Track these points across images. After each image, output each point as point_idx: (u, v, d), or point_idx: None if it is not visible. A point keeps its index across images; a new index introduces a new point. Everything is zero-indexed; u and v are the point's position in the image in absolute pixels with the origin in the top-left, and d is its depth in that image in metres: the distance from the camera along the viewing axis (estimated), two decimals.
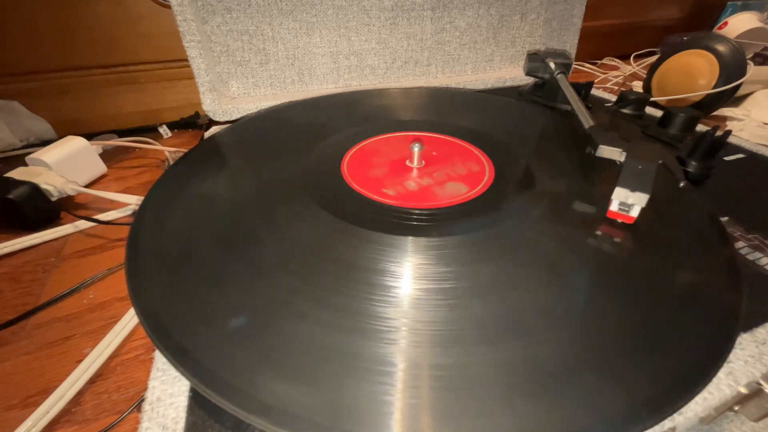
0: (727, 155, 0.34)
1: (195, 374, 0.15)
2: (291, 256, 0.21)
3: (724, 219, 0.26)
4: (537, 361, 0.16)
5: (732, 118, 0.54)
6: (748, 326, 0.19)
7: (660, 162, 0.23)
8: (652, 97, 0.50)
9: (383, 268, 0.20)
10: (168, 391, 0.16)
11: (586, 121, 0.30)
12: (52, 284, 0.32)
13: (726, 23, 0.75)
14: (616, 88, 0.71)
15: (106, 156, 0.49)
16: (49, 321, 0.29)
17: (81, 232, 0.38)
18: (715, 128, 0.29)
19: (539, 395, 0.14)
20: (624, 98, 0.41)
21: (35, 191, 0.37)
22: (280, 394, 0.14)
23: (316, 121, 0.37)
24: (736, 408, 0.17)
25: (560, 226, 0.23)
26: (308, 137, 0.33)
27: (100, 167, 0.47)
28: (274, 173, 0.28)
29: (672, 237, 0.23)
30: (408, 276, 0.20)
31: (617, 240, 0.22)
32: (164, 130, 0.58)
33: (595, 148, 0.26)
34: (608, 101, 0.46)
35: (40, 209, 0.38)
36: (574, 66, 0.52)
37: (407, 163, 0.30)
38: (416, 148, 0.29)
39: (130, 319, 0.28)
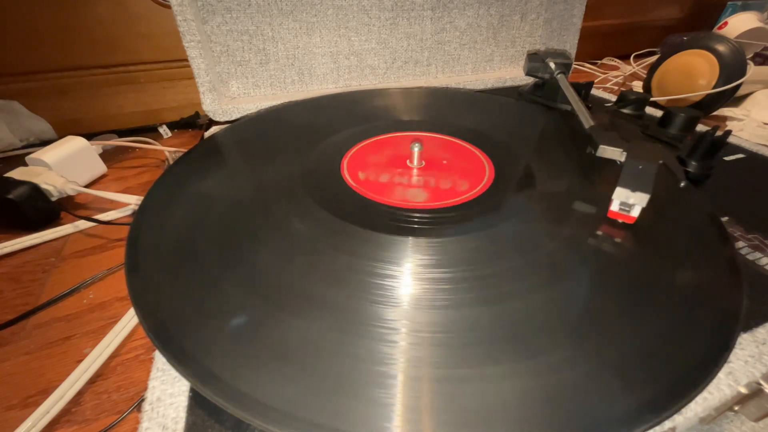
0: (727, 155, 0.34)
1: (195, 374, 0.15)
2: (291, 256, 0.21)
3: (724, 219, 0.26)
4: (537, 360, 0.16)
5: (732, 118, 0.54)
6: (748, 326, 0.19)
7: (660, 162, 0.23)
8: (652, 97, 0.50)
9: (383, 269, 0.20)
10: (168, 391, 0.16)
11: (586, 121, 0.30)
12: (52, 284, 0.32)
13: (726, 23, 0.75)
14: (616, 88, 0.71)
15: (106, 156, 0.49)
16: (49, 321, 0.29)
17: (81, 232, 0.38)
18: (715, 128, 0.29)
19: (539, 395, 0.14)
20: (624, 98, 0.41)
21: (35, 191, 0.37)
22: (280, 394, 0.14)
23: (316, 121, 0.37)
24: (736, 408, 0.17)
25: (560, 227, 0.23)
26: (308, 137, 0.33)
27: (100, 167, 0.47)
28: (274, 173, 0.28)
29: (672, 237, 0.23)
30: (408, 276, 0.20)
31: (618, 240, 0.22)
32: (164, 130, 0.58)
33: (596, 148, 0.26)
34: (608, 101, 0.46)
35: (40, 209, 0.38)
36: (574, 66, 0.52)
37: (407, 163, 0.30)
38: (416, 148, 0.29)
39: (130, 319, 0.28)
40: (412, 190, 0.27)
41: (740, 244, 0.24)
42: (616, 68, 0.81)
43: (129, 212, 0.40)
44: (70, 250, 0.36)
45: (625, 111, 0.40)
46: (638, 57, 0.82)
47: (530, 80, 0.46)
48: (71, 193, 0.40)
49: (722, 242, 0.22)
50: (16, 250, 0.36)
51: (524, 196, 0.26)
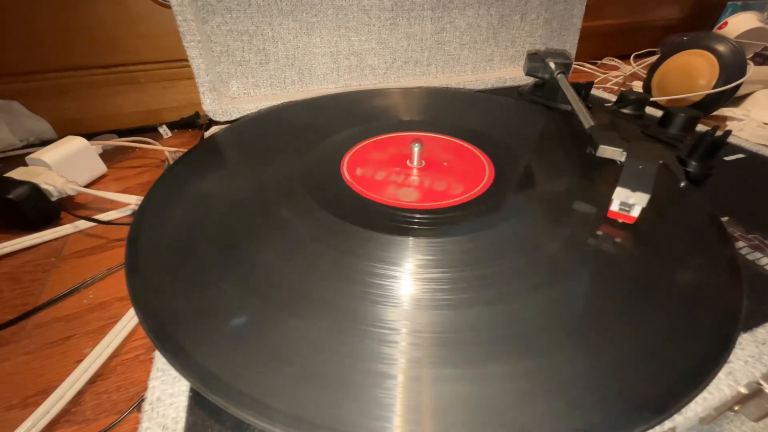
0: (727, 155, 0.34)
1: (194, 374, 0.15)
2: (291, 256, 0.21)
3: (724, 219, 0.26)
4: (537, 360, 0.16)
5: (732, 118, 0.54)
6: (748, 326, 0.19)
7: (660, 162, 0.23)
8: (652, 97, 0.50)
9: (383, 269, 0.20)
10: (168, 391, 0.16)
11: (587, 121, 0.30)
12: (52, 284, 0.32)
13: (726, 23, 0.75)
14: (616, 88, 0.71)
15: (106, 156, 0.49)
16: (49, 321, 0.29)
17: (81, 232, 0.38)
18: (715, 128, 0.29)
19: (539, 395, 0.14)
20: (624, 98, 0.41)
21: (35, 191, 0.37)
22: (280, 394, 0.14)
23: (316, 121, 0.37)
24: (736, 408, 0.17)
25: (560, 227, 0.23)
26: (308, 137, 0.33)
27: (100, 167, 0.47)
28: (274, 173, 0.28)
29: (672, 237, 0.23)
30: (408, 277, 0.20)
31: (618, 240, 0.22)
32: (164, 130, 0.58)
33: (596, 148, 0.26)
34: (608, 101, 0.46)
35: (40, 209, 0.38)
36: (574, 66, 0.52)
37: (407, 163, 0.30)
38: (416, 148, 0.29)
39: (130, 319, 0.28)
40: (412, 190, 0.27)
41: (740, 244, 0.24)
42: (616, 68, 0.81)
43: (129, 212, 0.40)
44: (70, 250, 0.36)
45: (625, 111, 0.40)
46: (638, 57, 0.82)
47: (530, 80, 0.46)
48: (71, 193, 0.40)
49: (722, 242, 0.22)
50: (16, 250, 0.36)
51: (524, 196, 0.26)
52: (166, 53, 0.55)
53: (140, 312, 0.18)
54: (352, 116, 0.38)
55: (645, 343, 0.16)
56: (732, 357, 0.17)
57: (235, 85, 0.44)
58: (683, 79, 0.48)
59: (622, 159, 0.25)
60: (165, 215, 0.24)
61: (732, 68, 0.45)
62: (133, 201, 0.39)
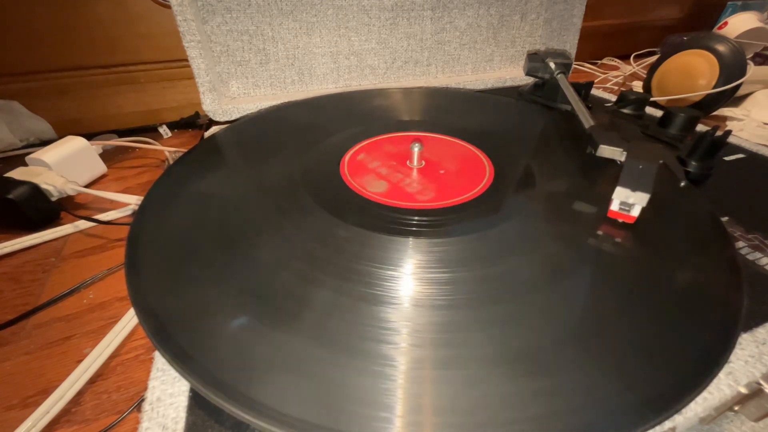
0: (727, 155, 0.34)
1: (194, 375, 0.15)
2: (290, 257, 0.21)
3: (724, 219, 0.26)
4: (537, 360, 0.16)
5: (732, 118, 0.54)
6: (748, 326, 0.19)
7: (660, 162, 0.23)
8: (652, 97, 0.50)
9: (383, 270, 0.20)
10: (168, 391, 0.16)
11: (587, 121, 0.30)
12: (52, 284, 0.32)
13: (726, 23, 0.75)
14: (616, 88, 0.71)
15: (106, 156, 0.49)
16: (49, 321, 0.29)
17: (81, 232, 0.38)
18: (715, 128, 0.29)
19: (539, 394, 0.14)
20: (624, 98, 0.41)
21: (35, 191, 0.37)
22: (280, 394, 0.14)
23: (316, 121, 0.37)
24: (736, 408, 0.17)
25: (560, 226, 0.23)
26: (308, 137, 0.33)
27: (100, 167, 0.47)
28: (273, 173, 0.28)
29: (672, 237, 0.23)
30: (408, 277, 0.20)
31: (618, 240, 0.22)
32: (164, 130, 0.58)
33: (596, 148, 0.26)
34: (608, 101, 0.46)
35: (40, 209, 0.38)
36: (574, 66, 0.52)
37: (407, 163, 0.30)
38: (416, 148, 0.29)
39: (130, 319, 0.28)
40: (412, 190, 0.27)
41: (740, 244, 0.24)
42: (616, 68, 0.81)
43: (129, 212, 0.40)
44: (70, 250, 0.36)
45: (625, 111, 0.40)
46: (638, 57, 0.82)
47: (530, 80, 0.46)
48: (71, 193, 0.40)
49: (722, 242, 0.22)
50: (16, 250, 0.36)
51: (524, 196, 0.26)
52: (166, 53, 0.55)
53: (140, 312, 0.18)
54: (352, 116, 0.38)
55: (645, 343, 0.16)
56: (732, 357, 0.17)
57: (235, 85, 0.44)
58: (683, 79, 0.48)
59: (622, 159, 0.25)
60: (165, 215, 0.24)
61: (732, 68, 0.45)
62: (133, 201, 0.39)
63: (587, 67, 0.81)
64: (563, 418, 0.14)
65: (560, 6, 0.52)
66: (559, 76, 0.39)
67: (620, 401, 0.14)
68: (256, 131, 0.36)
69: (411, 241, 0.22)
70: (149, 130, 0.59)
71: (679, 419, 0.15)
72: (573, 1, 0.51)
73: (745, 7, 0.79)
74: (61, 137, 0.45)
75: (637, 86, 0.66)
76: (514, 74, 0.55)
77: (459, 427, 0.13)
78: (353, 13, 0.45)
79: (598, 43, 0.85)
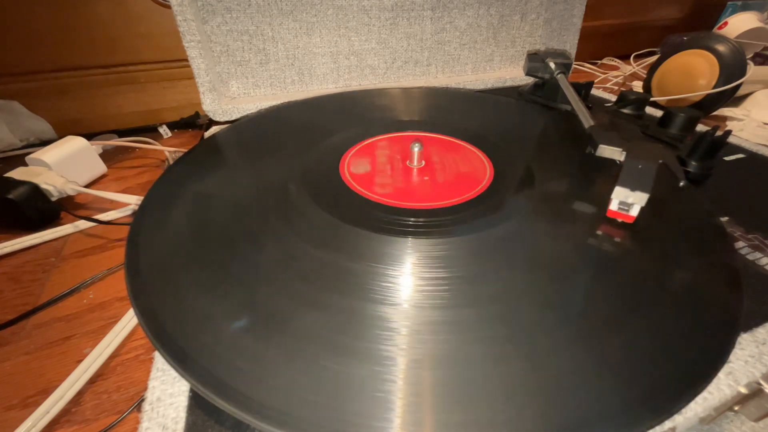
0: (727, 155, 0.34)
1: (194, 375, 0.15)
2: (290, 257, 0.21)
3: (724, 219, 0.26)
4: (537, 360, 0.16)
5: (732, 118, 0.54)
6: (748, 326, 0.19)
7: (660, 162, 0.23)
8: (652, 97, 0.50)
9: (383, 270, 0.20)
10: (168, 391, 0.16)
11: (586, 121, 0.30)
12: (52, 284, 0.32)
13: (726, 23, 0.75)
14: (616, 88, 0.71)
15: (106, 156, 0.49)
16: (49, 321, 0.29)
17: (81, 232, 0.38)
18: (715, 128, 0.29)
19: (539, 395, 0.14)
20: (624, 98, 0.41)
21: (35, 191, 0.37)
22: (279, 394, 0.14)
23: (316, 121, 0.37)
24: (736, 408, 0.17)
25: (560, 226, 0.23)
26: (308, 137, 0.33)
27: (100, 167, 0.47)
28: (274, 173, 0.28)
29: (672, 237, 0.23)
30: (407, 277, 0.20)
31: (617, 239, 0.22)
32: (164, 130, 0.58)
33: (595, 148, 0.26)
34: (608, 101, 0.46)
35: (40, 209, 0.38)
36: (574, 66, 0.52)
37: (407, 163, 0.30)
38: (416, 148, 0.29)
39: (130, 319, 0.28)
40: (412, 190, 0.27)
41: (740, 244, 0.24)
42: (616, 68, 0.81)
43: (129, 212, 0.40)
44: (70, 250, 0.36)
45: (625, 111, 0.40)
46: (638, 57, 0.82)
47: (530, 80, 0.46)
48: (71, 193, 0.40)
49: (722, 242, 0.22)
50: (16, 250, 0.36)
51: (524, 196, 0.26)
52: (166, 53, 0.55)
53: (140, 312, 0.18)
54: (352, 116, 0.38)
55: (644, 343, 0.16)
56: (732, 357, 0.17)
57: (235, 85, 0.44)
58: (683, 79, 0.48)
59: (622, 158, 0.25)
60: (165, 215, 0.24)
61: (732, 68, 0.45)
62: (133, 201, 0.39)
63: (587, 67, 0.81)
64: (563, 419, 0.14)
65: (560, 6, 0.52)
66: (559, 76, 0.39)
67: (620, 401, 0.14)
68: (256, 131, 0.36)
69: (411, 241, 0.22)
70: (149, 130, 0.59)
71: (679, 419, 0.15)
72: (573, 1, 0.51)
73: (745, 7, 0.79)
74: (61, 137, 0.45)
75: (637, 86, 0.66)
76: (514, 74, 0.55)
77: (458, 427, 0.13)
78: (353, 13, 0.45)
79: (598, 43, 0.85)
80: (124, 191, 0.42)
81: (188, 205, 0.25)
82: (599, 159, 0.26)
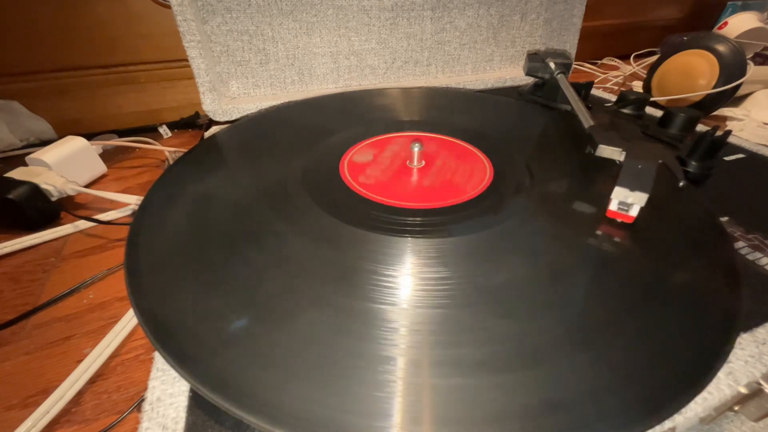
0: (727, 155, 0.34)
1: (194, 375, 0.15)
2: (290, 257, 0.21)
3: (724, 219, 0.26)
4: (536, 361, 0.16)
5: (732, 118, 0.54)
6: (748, 326, 0.19)
7: (660, 162, 0.23)
8: (652, 97, 0.50)
9: (382, 270, 0.20)
10: (168, 391, 0.16)
11: (586, 121, 0.30)
12: (52, 284, 0.32)
13: (726, 23, 0.75)
14: (616, 88, 0.71)
15: (106, 156, 0.49)
16: (49, 321, 0.29)
17: (81, 232, 0.38)
18: (715, 128, 0.29)
19: (538, 395, 0.14)
20: (624, 98, 0.41)
21: (35, 191, 0.37)
22: (279, 394, 0.14)
23: (316, 121, 0.37)
24: (736, 408, 0.17)
25: (559, 226, 0.23)
26: (308, 137, 0.33)
27: (100, 167, 0.47)
28: (273, 173, 0.28)
29: (672, 237, 0.23)
30: (407, 277, 0.20)
31: (617, 239, 0.22)
32: (164, 130, 0.58)
33: (595, 148, 0.26)
34: (608, 101, 0.46)
35: (40, 209, 0.38)
36: (574, 66, 0.52)
37: (407, 163, 0.30)
38: (416, 148, 0.29)
39: (130, 319, 0.28)
40: (412, 190, 0.27)
41: (740, 244, 0.24)
42: (616, 68, 0.81)
43: (129, 212, 0.40)
44: (70, 250, 0.36)
45: (625, 111, 0.40)
46: (638, 57, 0.82)
47: (530, 80, 0.46)
48: (71, 193, 0.40)
49: (722, 242, 0.22)
50: (16, 250, 0.36)
51: (524, 196, 0.26)
52: (166, 53, 0.55)
53: (139, 312, 0.18)
54: (352, 116, 0.38)
55: (644, 343, 0.16)
56: (732, 357, 0.17)
57: (235, 85, 0.44)
58: (683, 79, 0.48)
59: (622, 159, 0.25)
60: (165, 215, 0.24)
61: (732, 68, 0.45)
62: (133, 201, 0.39)
63: (587, 67, 0.81)
64: (563, 419, 0.14)
65: (560, 6, 0.52)
66: (559, 76, 0.39)
67: (620, 401, 0.14)
68: (256, 131, 0.36)
69: (410, 240, 0.22)
70: (149, 130, 0.59)
71: (679, 419, 0.15)
72: (573, 1, 0.51)
73: (745, 7, 0.79)
74: (61, 137, 0.45)
75: (637, 86, 0.66)
76: (514, 74, 0.55)
77: (458, 426, 0.13)
78: (353, 13, 0.45)
79: (598, 43, 0.85)
80: (124, 191, 0.42)
81: (188, 205, 0.25)
82: (599, 159, 0.26)
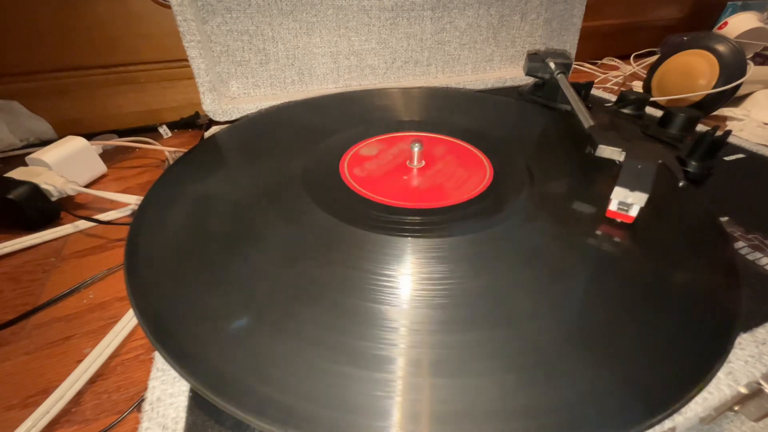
0: (727, 155, 0.34)
1: (194, 375, 0.15)
2: (290, 257, 0.21)
3: (724, 219, 0.26)
4: (536, 361, 0.16)
5: (732, 118, 0.54)
6: (748, 326, 0.19)
7: (660, 162, 0.23)
8: (652, 97, 0.50)
9: (382, 270, 0.20)
10: (168, 391, 0.16)
11: (586, 121, 0.30)
12: (52, 284, 0.32)
13: (726, 23, 0.75)
14: (616, 88, 0.71)
15: (106, 156, 0.49)
16: (49, 321, 0.29)
17: (81, 232, 0.38)
18: (715, 128, 0.29)
19: (538, 394, 0.14)
20: (624, 98, 0.41)
21: (35, 191, 0.37)
22: (280, 394, 0.14)
23: (316, 121, 0.37)
24: (736, 408, 0.17)
25: (559, 226, 0.23)
26: (308, 137, 0.33)
27: (100, 167, 0.47)
28: (273, 173, 0.28)
29: (671, 237, 0.23)
30: (407, 277, 0.20)
31: (616, 239, 0.22)
32: (164, 130, 0.59)
33: (595, 148, 0.26)
34: (608, 101, 0.46)
35: (40, 209, 0.38)
36: (574, 66, 0.52)
37: (407, 163, 0.30)
38: (416, 148, 0.29)
39: (130, 319, 0.28)
40: (412, 190, 0.27)
41: (740, 244, 0.24)
42: (616, 68, 0.81)
43: (129, 212, 0.40)
44: (70, 250, 0.36)
45: (625, 111, 0.40)
46: (638, 57, 0.82)
47: (530, 80, 0.46)
48: (71, 193, 0.40)
49: (722, 242, 0.22)
50: (16, 250, 0.36)
51: (523, 196, 0.26)
52: (166, 53, 0.55)
53: (139, 312, 0.18)
54: (352, 116, 0.38)
55: (644, 343, 0.16)
56: (732, 357, 0.17)
57: (235, 85, 0.44)
58: (683, 79, 0.48)
59: (621, 159, 0.25)
60: (165, 215, 0.24)
61: (732, 68, 0.45)
62: (133, 201, 0.39)
63: (587, 67, 0.81)
64: (562, 419, 0.14)
65: (560, 6, 0.52)
66: (559, 76, 0.39)
67: (620, 401, 0.14)
68: (256, 131, 0.36)
69: (410, 240, 0.22)
70: (149, 130, 0.59)
71: (679, 419, 0.15)
72: (573, 1, 0.51)
73: (745, 7, 0.79)
74: (61, 137, 0.45)
75: (637, 86, 0.66)
76: (514, 74, 0.55)
77: (457, 426, 0.13)
78: (353, 13, 0.45)
79: (598, 43, 0.85)
80: (124, 191, 0.42)
81: (188, 205, 0.25)
82: (599, 159, 0.26)
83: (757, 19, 0.73)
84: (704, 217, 0.24)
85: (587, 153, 0.27)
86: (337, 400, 0.14)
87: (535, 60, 0.41)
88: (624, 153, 0.24)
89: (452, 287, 0.19)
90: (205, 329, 0.17)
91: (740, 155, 0.34)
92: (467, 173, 0.29)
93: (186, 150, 0.34)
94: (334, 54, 0.46)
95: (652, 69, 0.53)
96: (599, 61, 0.85)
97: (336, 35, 0.45)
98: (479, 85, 0.53)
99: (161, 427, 0.15)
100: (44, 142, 0.48)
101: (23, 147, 0.52)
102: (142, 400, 0.18)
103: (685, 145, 0.32)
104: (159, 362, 0.17)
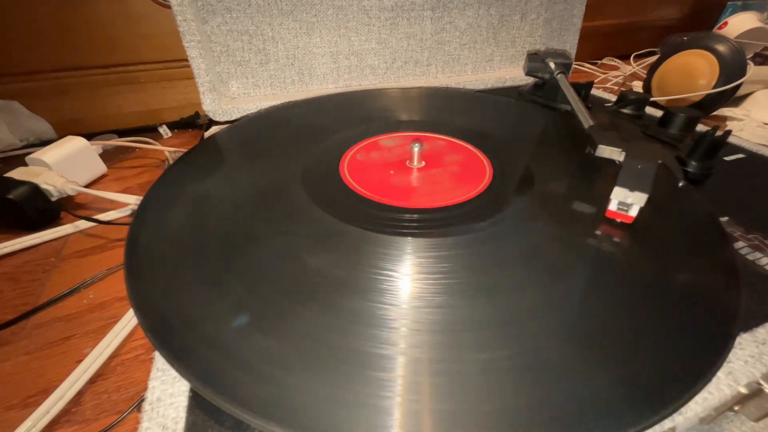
0: (727, 155, 0.34)
1: (194, 375, 0.15)
2: (290, 257, 0.21)
3: (724, 219, 0.26)
4: (535, 361, 0.16)
5: (732, 118, 0.54)
6: (748, 326, 0.19)
7: (659, 162, 0.23)
8: (652, 97, 0.50)
9: (382, 269, 0.20)
10: (168, 391, 0.16)
11: (586, 121, 0.30)
12: (52, 284, 0.32)
13: (726, 23, 0.75)
14: (616, 88, 0.71)
15: (106, 156, 0.49)
16: (49, 321, 0.29)
17: (81, 232, 0.38)
18: (715, 128, 0.29)
19: (538, 395, 0.14)
20: (624, 98, 0.41)
21: (35, 191, 0.37)
22: (279, 394, 0.14)
23: (316, 121, 0.37)
24: (736, 408, 0.17)
25: (559, 226, 0.23)
26: (308, 137, 0.34)
27: (100, 167, 0.47)
28: (273, 173, 0.28)
29: (671, 237, 0.23)
30: (407, 277, 0.20)
31: (616, 239, 0.22)
32: (164, 130, 0.59)
33: (595, 148, 0.26)
34: (608, 101, 0.46)
35: (40, 209, 0.38)
36: (574, 66, 0.52)
37: (407, 163, 0.30)
38: (416, 148, 0.29)
39: (130, 319, 0.28)
40: (412, 190, 0.27)
41: (740, 244, 0.24)
42: (616, 68, 0.81)
43: (129, 212, 0.40)
44: (70, 250, 0.36)
45: (625, 111, 0.40)
46: (638, 57, 0.82)
47: (530, 80, 0.46)
48: (71, 193, 0.40)
49: (722, 242, 0.22)
50: (16, 250, 0.36)
51: (523, 196, 0.26)
52: (166, 53, 0.55)
53: (139, 312, 0.18)
54: (352, 116, 0.38)
55: (644, 343, 0.16)
56: (732, 357, 0.17)
57: (235, 85, 0.44)
58: (683, 79, 0.48)
59: (621, 159, 0.25)
60: (165, 215, 0.24)
61: (732, 68, 0.45)
62: (133, 201, 0.39)
63: (587, 67, 0.81)
64: (562, 419, 0.14)
65: (560, 6, 0.52)
66: (559, 76, 0.39)
67: (620, 401, 0.14)
68: (256, 131, 0.36)
69: (410, 240, 0.22)
70: (149, 130, 0.59)
71: (679, 419, 0.15)
72: (573, 1, 0.51)
73: (745, 7, 0.79)
74: (61, 137, 0.45)
75: (637, 86, 0.66)
76: (514, 74, 0.55)
77: (458, 426, 0.13)
78: (353, 13, 0.45)
79: (598, 43, 0.85)
80: (124, 191, 0.42)
81: (188, 205, 0.25)
82: (599, 159, 0.26)
83: (757, 19, 0.73)
84: (704, 217, 0.24)
85: (587, 153, 0.27)
86: (337, 399, 0.14)
87: (535, 60, 0.41)
88: (624, 153, 0.24)
89: (452, 287, 0.19)
90: (205, 329, 0.17)
91: (740, 155, 0.34)
92: (467, 173, 0.29)
93: (186, 150, 0.34)
94: (334, 54, 0.46)
95: (652, 69, 0.53)
96: (599, 61, 0.85)
97: (336, 35, 0.45)
98: (479, 85, 0.53)
99: (161, 427, 0.15)
100: (44, 142, 0.48)
101: (23, 147, 0.52)
102: (142, 400, 0.18)
103: (685, 145, 0.32)
104: (159, 362, 0.17)
